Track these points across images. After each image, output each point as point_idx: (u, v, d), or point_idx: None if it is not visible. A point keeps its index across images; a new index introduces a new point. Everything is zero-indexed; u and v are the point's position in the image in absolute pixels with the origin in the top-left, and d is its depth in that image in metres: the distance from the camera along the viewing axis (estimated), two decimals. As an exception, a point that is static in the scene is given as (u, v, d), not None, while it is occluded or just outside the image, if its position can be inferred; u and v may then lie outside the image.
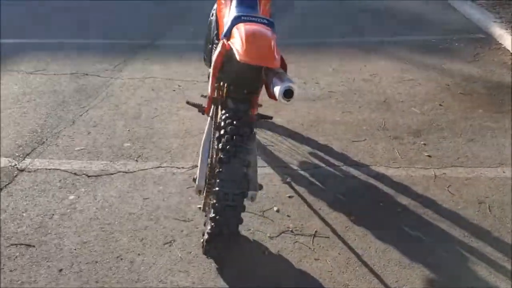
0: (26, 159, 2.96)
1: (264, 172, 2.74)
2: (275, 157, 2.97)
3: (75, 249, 2.22)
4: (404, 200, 2.55)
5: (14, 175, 2.81)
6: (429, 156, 2.96)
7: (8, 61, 4.65)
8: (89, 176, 2.78)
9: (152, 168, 2.85)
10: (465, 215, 2.44)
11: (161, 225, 2.38)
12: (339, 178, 2.75)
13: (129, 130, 3.29)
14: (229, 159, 1.84)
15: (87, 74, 4.25)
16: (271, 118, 2.58)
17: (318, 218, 2.43)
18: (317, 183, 2.71)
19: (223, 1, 2.49)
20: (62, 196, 2.61)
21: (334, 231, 2.34)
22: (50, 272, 2.09)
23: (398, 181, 2.72)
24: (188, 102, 2.52)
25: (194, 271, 2.10)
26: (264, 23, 1.99)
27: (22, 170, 2.85)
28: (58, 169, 2.85)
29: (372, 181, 2.72)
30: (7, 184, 2.71)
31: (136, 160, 2.94)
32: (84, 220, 2.41)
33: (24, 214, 2.46)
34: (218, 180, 1.85)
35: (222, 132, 1.91)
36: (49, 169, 2.85)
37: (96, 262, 2.15)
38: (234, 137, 1.87)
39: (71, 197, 2.60)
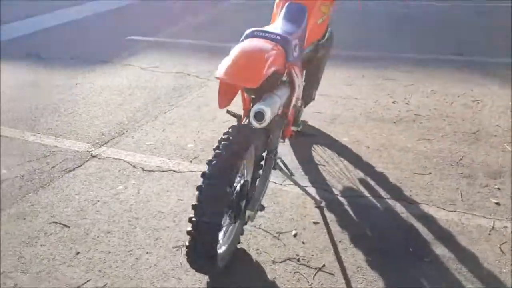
0: (102, 147, 3.26)
1: (301, 191, 2.61)
2: (320, 177, 2.80)
3: (98, 237, 2.39)
4: (439, 249, 2.21)
5: (86, 159, 3.11)
6: (497, 203, 2.51)
7: (132, 56, 5.15)
8: (144, 170, 2.96)
9: (200, 171, 2.92)
10: (505, 282, 2.02)
11: (180, 228, 2.42)
12: (378, 212, 2.49)
13: (198, 132, 3.40)
14: (211, 176, 1.80)
15: (189, 75, 4.50)
16: (314, 136, 2.45)
17: (333, 251, 2.24)
18: (351, 213, 2.49)
19: (275, 10, 2.43)
20: (113, 185, 2.81)
21: (343, 269, 2.14)
22: (69, 253, 2.28)
23: (444, 226, 2.36)
24: (228, 112, 2.52)
25: (187, 280, 2.10)
26: (276, 40, 1.90)
27: (94, 156, 3.15)
28: (122, 160, 3.08)
29: (413, 221, 2.41)
30: (76, 167, 3.02)
31: (191, 161, 3.03)
32: (118, 211, 2.58)
33: (76, 197, 2.72)
34: (197, 193, 1.81)
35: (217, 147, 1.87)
36: (115, 159, 3.10)
37: (109, 252, 2.28)
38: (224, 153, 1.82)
39: (120, 187, 2.79)
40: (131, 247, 2.30)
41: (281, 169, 2.36)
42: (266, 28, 2.12)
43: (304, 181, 2.76)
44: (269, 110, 1.70)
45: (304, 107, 2.93)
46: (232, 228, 2.18)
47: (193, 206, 1.80)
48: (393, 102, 3.76)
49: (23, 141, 3.37)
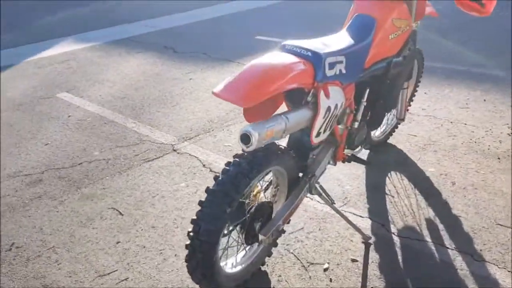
0: (185, 142, 3.36)
1: (355, 223, 2.36)
2: (383, 209, 2.50)
3: (142, 230, 2.46)
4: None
5: (166, 152, 3.24)
6: None
7: (253, 57, 5.22)
8: (210, 171, 2.97)
9: (262, 181, 2.82)
10: None
11: (216, 237, 2.37)
12: (431, 263, 2.12)
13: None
14: (213, 192, 1.70)
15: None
16: (367, 163, 2.20)
17: (359, 297, 1.97)
18: (399, 257, 2.17)
19: (347, 19, 2.23)
20: (177, 181, 2.88)
21: (361, 320, 1.87)
22: (111, 241, 2.39)
23: (508, 297, 1.92)
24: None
25: (199, 292, 2.05)
26: (306, 56, 1.72)
27: (174, 150, 3.26)
28: (196, 157, 3.14)
29: (472, 283, 2.00)
30: (155, 159, 3.17)
31: (258, 169, 2.95)
32: (171, 207, 2.63)
33: (141, 187, 2.85)
34: (199, 209, 1.74)
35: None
36: (191, 155, 3.17)
37: (144, 247, 2.33)
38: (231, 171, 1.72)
39: (182, 184, 2.85)
40: (164, 246, 2.33)
41: (320, 195, 2.15)
42: (313, 41, 1.94)
43: (363, 210, 2.49)
44: (257, 133, 1.55)
45: (373, 129, 2.64)
46: (253, 249, 2.06)
47: (192, 221, 1.73)
48: (509, 134, 3.18)
49: (123, 127, 3.65)
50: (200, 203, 1.72)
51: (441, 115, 3.54)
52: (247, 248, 2.04)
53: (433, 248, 2.21)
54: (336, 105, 1.87)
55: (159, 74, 4.87)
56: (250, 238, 1.89)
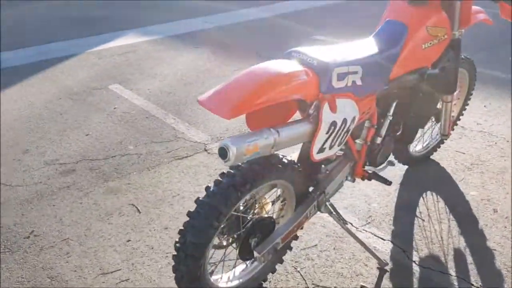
0: (217, 142, 3.31)
1: (375, 245, 2.18)
2: (408, 234, 2.28)
3: (154, 230, 2.43)
4: None
5: (197, 151, 3.20)
6: None
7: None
8: (236, 175, 2.89)
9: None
10: None
11: (226, 245, 2.28)
12: (450, 300, 1.90)
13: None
14: (202, 204, 1.62)
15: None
16: (389, 183, 2.03)
17: (361, 329, 1.80)
18: (415, 289, 1.97)
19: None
20: (201, 183, 2.82)
21: None
22: (122, 238, 2.38)
23: None
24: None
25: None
26: (311, 65, 1.58)
27: (205, 150, 3.21)
28: (225, 159, 3.07)
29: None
30: (185, 157, 3.13)
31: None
32: (187, 209, 2.56)
33: (165, 185, 2.82)
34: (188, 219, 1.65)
35: None
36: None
37: (152, 248, 2.30)
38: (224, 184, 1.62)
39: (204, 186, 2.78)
40: (171, 250, 2.27)
41: (330, 213, 1.99)
42: (334, 47, 1.78)
43: (386, 232, 2.30)
44: (235, 148, 1.42)
45: (405, 145, 2.41)
46: (254, 264, 1.95)
47: (179, 231, 1.66)
48: None
49: (162, 122, 3.66)
50: (189, 213, 1.65)
51: (497, 132, 3.21)
52: (247, 262, 1.94)
53: (455, 283, 1.98)
54: (345, 119, 1.70)
55: (210, 70, 4.85)
56: (245, 253, 1.78)
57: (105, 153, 3.23)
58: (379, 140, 2.06)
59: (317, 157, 1.69)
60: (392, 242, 2.24)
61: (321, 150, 1.68)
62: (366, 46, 1.87)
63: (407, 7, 2.03)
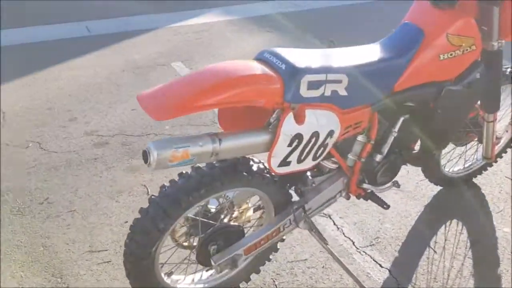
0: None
1: (369, 271, 1.97)
2: (411, 264, 2.03)
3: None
4: None
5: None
6: None
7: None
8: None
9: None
10: None
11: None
12: None
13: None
14: (153, 202, 1.55)
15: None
16: (386, 207, 1.83)
17: None
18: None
19: None
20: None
21: None
22: (122, 218, 2.39)
23: None
24: None
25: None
26: (278, 70, 1.42)
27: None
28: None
29: None
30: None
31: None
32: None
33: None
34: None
35: None
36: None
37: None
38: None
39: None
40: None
41: (310, 230, 1.81)
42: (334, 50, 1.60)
43: (387, 258, 2.06)
44: (156, 153, 1.31)
45: (421, 167, 2.11)
46: (211, 272, 1.85)
47: (130, 227, 1.60)
48: None
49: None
50: (140, 210, 1.59)
51: None
52: (206, 269, 1.84)
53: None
54: (317, 132, 1.51)
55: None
56: (202, 260, 1.69)
57: (142, 130, 3.28)
58: (378, 157, 1.82)
59: (278, 170, 1.53)
60: (389, 271, 2.00)
61: (285, 163, 1.51)
62: (367, 52, 1.64)
63: (429, 9, 1.74)
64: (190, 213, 1.66)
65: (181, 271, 1.84)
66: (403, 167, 1.97)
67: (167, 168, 1.39)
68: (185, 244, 1.74)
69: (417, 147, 2.04)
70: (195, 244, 1.73)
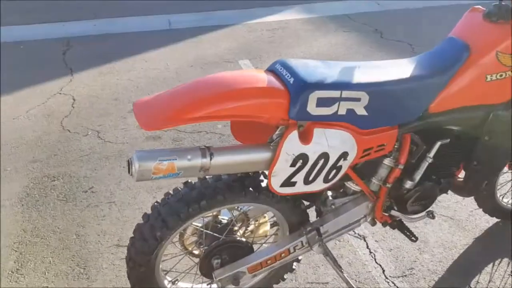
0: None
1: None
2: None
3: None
4: None
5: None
6: None
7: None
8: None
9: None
10: None
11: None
12: None
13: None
14: (156, 209, 1.51)
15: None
16: (414, 239, 1.67)
17: None
18: None
19: None
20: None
21: None
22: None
23: None
24: None
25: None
26: (286, 83, 1.31)
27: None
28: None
29: None
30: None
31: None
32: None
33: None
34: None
35: None
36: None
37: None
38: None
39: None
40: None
41: (325, 255, 1.67)
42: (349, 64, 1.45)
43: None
44: (138, 164, 1.24)
45: (466, 196, 1.86)
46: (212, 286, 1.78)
47: (133, 231, 1.58)
48: None
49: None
50: (143, 216, 1.56)
51: None
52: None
53: None
54: (326, 154, 1.37)
55: (348, 57, 4.52)
56: (205, 272, 1.63)
57: (195, 127, 3.30)
58: (409, 184, 1.63)
59: (281, 190, 1.41)
60: (414, 307, 1.81)
61: (289, 184, 1.40)
62: (398, 68, 1.46)
63: (480, 22, 1.51)
64: (198, 222, 1.61)
65: (187, 280, 1.79)
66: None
67: (152, 180, 1.34)
68: (195, 252, 1.69)
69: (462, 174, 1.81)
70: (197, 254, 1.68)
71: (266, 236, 1.77)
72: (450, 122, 1.55)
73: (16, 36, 5.48)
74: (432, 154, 1.59)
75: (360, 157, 1.45)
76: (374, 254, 2.09)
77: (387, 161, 1.58)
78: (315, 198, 1.67)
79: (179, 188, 1.52)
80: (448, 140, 1.59)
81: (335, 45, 4.89)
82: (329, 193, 1.69)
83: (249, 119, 1.30)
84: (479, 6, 1.58)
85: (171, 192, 1.54)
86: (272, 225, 1.77)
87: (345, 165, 1.44)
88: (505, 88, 1.50)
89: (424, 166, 1.61)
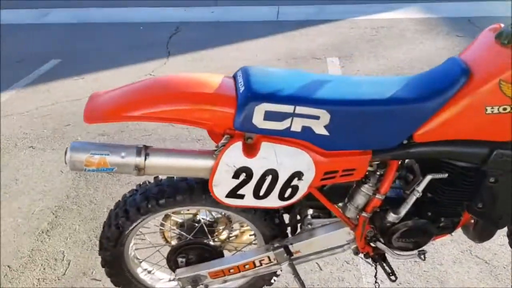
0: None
1: None
2: None
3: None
4: None
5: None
6: None
7: None
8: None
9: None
10: None
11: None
12: None
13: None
14: (123, 200, 1.56)
15: None
16: (392, 279, 1.53)
17: None
18: None
19: None
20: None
21: None
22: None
23: None
24: None
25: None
26: (238, 90, 1.26)
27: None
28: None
29: None
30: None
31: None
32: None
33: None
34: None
35: None
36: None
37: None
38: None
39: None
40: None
41: (294, 276, 1.56)
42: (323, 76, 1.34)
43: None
44: (70, 154, 1.24)
45: (478, 242, 1.55)
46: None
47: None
48: None
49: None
50: (116, 203, 1.60)
51: None
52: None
53: None
54: (275, 171, 1.27)
55: (444, 66, 4.12)
56: (172, 267, 1.64)
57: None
58: (392, 217, 1.43)
59: (228, 201, 1.34)
60: None
61: (235, 195, 1.32)
62: (381, 86, 1.29)
63: (490, 43, 1.25)
64: (177, 216, 1.63)
65: (167, 272, 1.82)
66: None
67: (87, 172, 1.37)
68: (173, 244, 1.71)
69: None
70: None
71: (251, 243, 1.72)
72: (441, 155, 1.32)
73: (139, 17, 5.99)
74: (421, 187, 1.39)
75: (321, 179, 1.33)
76: (379, 284, 1.90)
77: (365, 188, 1.42)
78: (290, 214, 1.57)
79: (147, 182, 1.54)
80: (444, 174, 1.37)
81: (440, 50, 4.47)
82: (310, 211, 1.57)
83: (191, 124, 1.26)
84: (501, 24, 1.32)
85: (147, 182, 1.56)
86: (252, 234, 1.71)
87: (302, 185, 1.32)
88: (509, 125, 1.24)
89: (411, 200, 1.41)
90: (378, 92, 1.28)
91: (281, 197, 1.35)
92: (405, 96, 1.27)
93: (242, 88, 1.25)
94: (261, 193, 1.33)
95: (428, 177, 1.37)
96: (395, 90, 1.29)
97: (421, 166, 1.42)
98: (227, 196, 1.33)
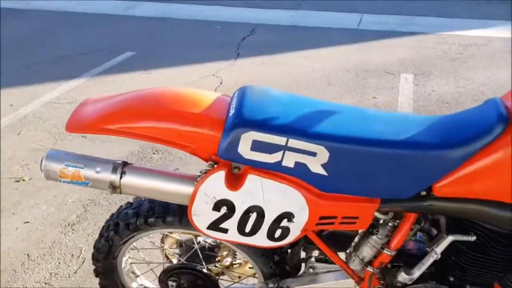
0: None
1: None
2: None
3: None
4: None
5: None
6: None
7: None
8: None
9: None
10: None
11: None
12: None
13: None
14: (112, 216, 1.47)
15: None
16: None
17: None
18: None
19: None
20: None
21: None
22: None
23: None
24: None
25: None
26: (228, 114, 1.12)
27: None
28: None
29: None
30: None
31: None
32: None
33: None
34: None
35: None
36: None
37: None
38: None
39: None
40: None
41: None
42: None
43: None
44: (45, 163, 1.15)
45: None
46: None
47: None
48: None
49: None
50: (112, 214, 1.52)
51: None
52: None
53: None
54: (261, 209, 1.10)
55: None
56: (162, 287, 1.54)
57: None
58: (404, 278, 1.21)
59: (210, 233, 1.19)
60: None
61: (218, 228, 1.17)
62: (398, 125, 1.08)
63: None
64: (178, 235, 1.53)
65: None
66: None
67: (61, 183, 1.28)
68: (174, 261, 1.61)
69: None
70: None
71: (254, 275, 1.57)
72: (465, 214, 1.09)
73: (219, 16, 6.01)
74: (440, 249, 1.15)
75: (316, 224, 1.14)
76: None
77: (372, 240, 1.21)
78: (292, 251, 1.40)
79: (142, 198, 1.45)
80: (471, 237, 1.13)
81: (493, 78, 3.97)
82: (316, 252, 1.39)
83: (170, 145, 1.14)
84: None
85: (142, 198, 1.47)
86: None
87: (294, 227, 1.15)
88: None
89: (428, 261, 1.18)
90: (394, 132, 1.07)
91: (271, 237, 1.19)
92: (426, 140, 1.05)
93: (231, 112, 1.10)
94: (247, 230, 1.18)
95: (450, 238, 1.14)
96: (416, 132, 1.07)
97: (448, 222, 1.19)
98: (209, 228, 1.19)
